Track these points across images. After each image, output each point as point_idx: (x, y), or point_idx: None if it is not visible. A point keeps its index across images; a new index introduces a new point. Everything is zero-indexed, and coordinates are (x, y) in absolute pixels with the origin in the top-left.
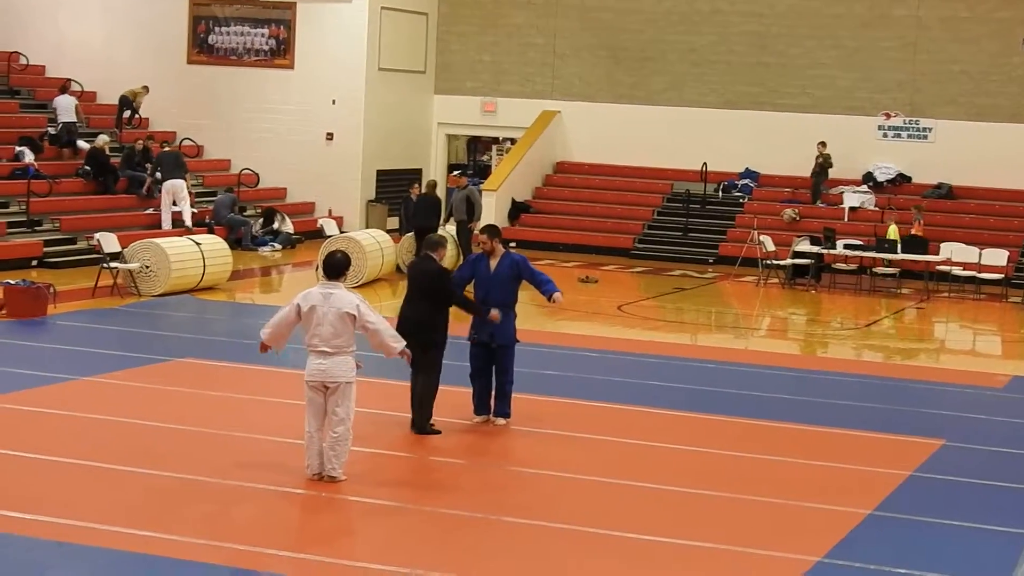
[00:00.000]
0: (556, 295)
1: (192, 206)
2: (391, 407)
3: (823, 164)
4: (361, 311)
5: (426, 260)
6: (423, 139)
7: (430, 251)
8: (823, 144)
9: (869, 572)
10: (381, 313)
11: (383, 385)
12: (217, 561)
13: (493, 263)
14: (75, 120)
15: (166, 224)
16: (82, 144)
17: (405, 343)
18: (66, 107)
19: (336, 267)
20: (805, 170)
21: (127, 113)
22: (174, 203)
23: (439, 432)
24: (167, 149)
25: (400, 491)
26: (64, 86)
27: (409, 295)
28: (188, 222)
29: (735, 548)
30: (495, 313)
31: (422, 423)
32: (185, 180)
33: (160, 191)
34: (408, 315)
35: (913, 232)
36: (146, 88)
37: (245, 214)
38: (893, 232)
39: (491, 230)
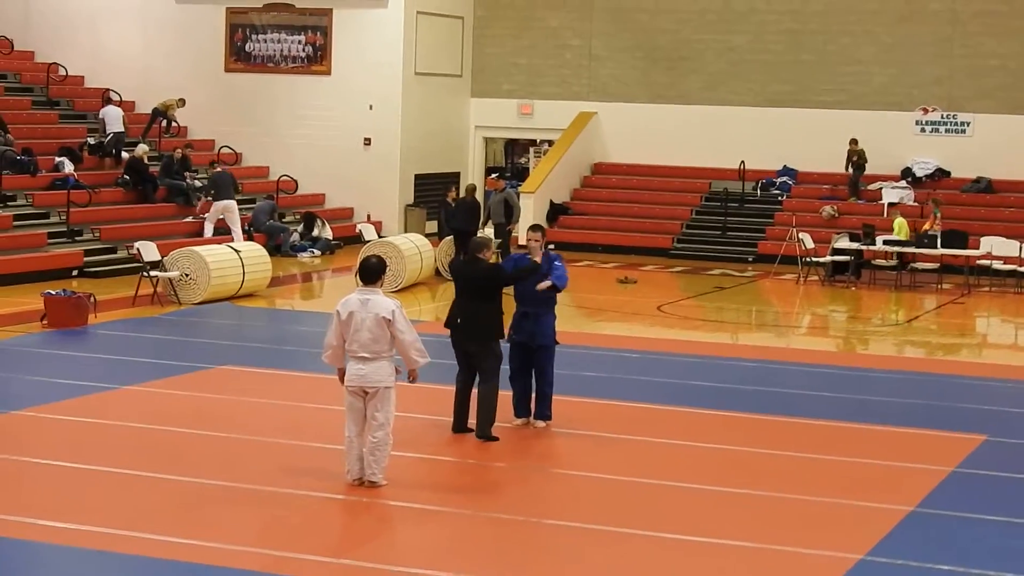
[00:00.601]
0: (544, 284)
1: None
2: (431, 411)
3: (858, 161)
4: (395, 317)
5: (474, 262)
6: (460, 142)
7: (477, 252)
8: (855, 141)
9: (911, 569)
10: (420, 316)
11: (422, 389)
12: (258, 568)
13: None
14: (123, 130)
15: (208, 232)
16: (126, 154)
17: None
18: (115, 117)
19: (372, 272)
20: (843, 167)
21: (164, 122)
22: (221, 215)
23: (496, 439)
24: (219, 170)
25: (441, 495)
26: (107, 96)
27: (459, 296)
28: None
29: (776, 547)
30: (532, 238)
31: (483, 429)
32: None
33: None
34: (457, 314)
35: (924, 228)
36: (182, 101)
37: (284, 220)
38: (899, 227)
39: (541, 229)
